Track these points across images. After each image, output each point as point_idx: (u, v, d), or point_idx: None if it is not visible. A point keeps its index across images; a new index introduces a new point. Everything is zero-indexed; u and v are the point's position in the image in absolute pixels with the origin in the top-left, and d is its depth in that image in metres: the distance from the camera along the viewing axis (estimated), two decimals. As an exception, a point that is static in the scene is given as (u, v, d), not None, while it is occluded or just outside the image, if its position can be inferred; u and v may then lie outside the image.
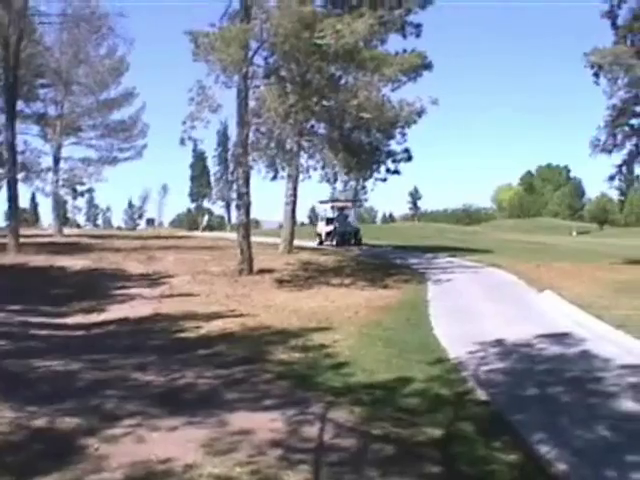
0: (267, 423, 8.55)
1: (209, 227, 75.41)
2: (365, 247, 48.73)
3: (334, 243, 50.34)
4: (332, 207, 54.06)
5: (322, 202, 56.25)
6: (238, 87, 27.04)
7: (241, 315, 17.79)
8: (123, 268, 28.13)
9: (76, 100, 51.12)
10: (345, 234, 51.37)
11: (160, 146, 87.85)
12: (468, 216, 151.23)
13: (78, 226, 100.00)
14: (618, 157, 35.07)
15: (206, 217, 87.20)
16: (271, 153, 31.86)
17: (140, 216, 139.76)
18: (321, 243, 51.93)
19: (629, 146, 34.70)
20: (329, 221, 53.69)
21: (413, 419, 8.92)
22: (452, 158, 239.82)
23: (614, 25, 33.72)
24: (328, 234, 52.29)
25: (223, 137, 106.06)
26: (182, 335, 15.30)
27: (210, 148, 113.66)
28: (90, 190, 65.17)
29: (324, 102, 28.96)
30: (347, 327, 16.02)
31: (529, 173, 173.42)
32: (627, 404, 9.77)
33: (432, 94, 32.74)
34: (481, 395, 10.34)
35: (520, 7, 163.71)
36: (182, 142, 26.14)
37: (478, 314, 18.45)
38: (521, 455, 7.70)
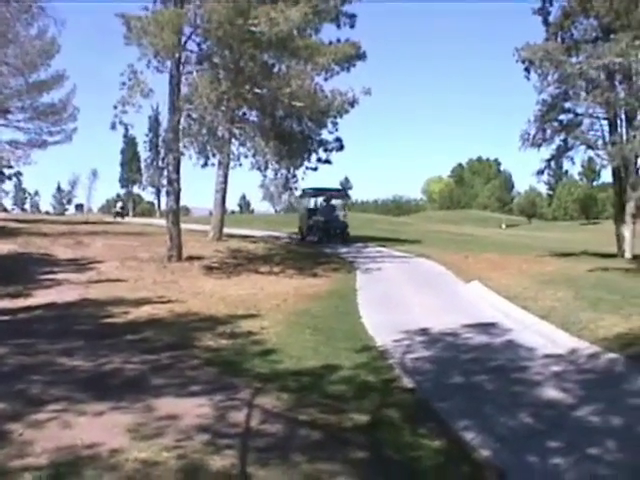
0: (194, 408, 8.52)
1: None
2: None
3: (315, 239, 43.66)
4: (316, 197, 47.63)
5: (305, 191, 46.36)
6: (170, 72, 26.80)
7: (169, 301, 17.67)
8: (51, 253, 27.70)
9: (4, 81, 49.89)
10: (330, 229, 44.07)
11: (91, 131, 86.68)
12: (398, 207, 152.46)
13: (5, 210, 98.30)
14: (547, 152, 35.70)
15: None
16: (202, 140, 31.57)
17: (69, 201, 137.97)
18: (303, 239, 45.55)
19: (558, 141, 35.34)
20: (312, 212, 46.22)
21: (340, 405, 8.98)
22: (383, 149, 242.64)
23: (545, 22, 34.38)
24: (311, 228, 44.94)
25: (154, 123, 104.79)
26: (110, 320, 15.13)
27: (141, 134, 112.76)
28: (18, 174, 64.08)
29: (256, 90, 28.88)
30: (275, 315, 16.04)
31: (460, 166, 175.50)
32: (550, 392, 9.98)
33: (365, 84, 32.94)
34: (407, 383, 10.45)
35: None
36: (113, 127, 25.81)
37: (405, 303, 18.62)
38: (446, 441, 7.81)
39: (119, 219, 66.89)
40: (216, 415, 8.35)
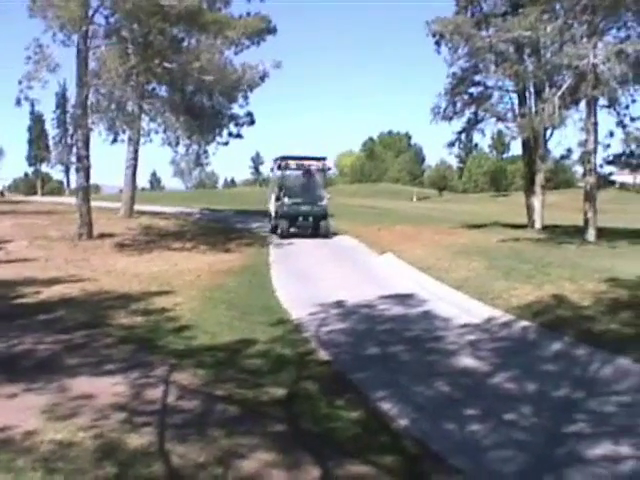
0: (110, 387, 8.43)
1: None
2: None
3: (284, 228, 32.33)
4: (291, 168, 34.41)
5: (278, 161, 34.96)
6: (78, 46, 26.28)
7: (81, 280, 17.41)
8: (-46, 234, 27.03)
9: None
10: (307, 215, 32.75)
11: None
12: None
13: None
14: (458, 124, 36.14)
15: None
16: (111, 115, 31.12)
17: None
18: (275, 229, 33.56)
19: (468, 114, 35.89)
20: (285, 192, 33.32)
21: (257, 380, 8.99)
22: (294, 124, 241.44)
23: (456, -5, 34.63)
24: (284, 214, 32.89)
25: (62, 99, 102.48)
26: (21, 301, 14.82)
27: (49, 110, 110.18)
28: None
29: (166, 64, 28.54)
30: (189, 291, 15.97)
31: (371, 140, 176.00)
32: (465, 361, 10.18)
33: (276, 58, 32.92)
34: (323, 355, 10.54)
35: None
36: (18, 103, 25.32)
37: (319, 277, 18.73)
38: (364, 412, 7.90)
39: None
40: (132, 393, 8.28)
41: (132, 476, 5.94)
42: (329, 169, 34.58)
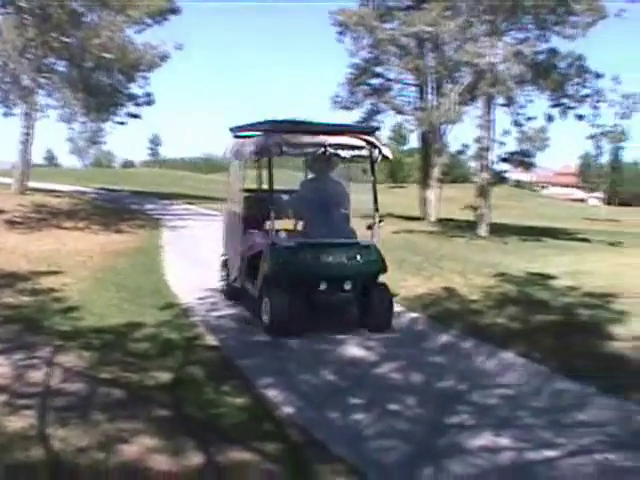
0: (-9, 368, 8.30)
1: None
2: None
3: (279, 311, 10.71)
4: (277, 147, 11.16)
5: (239, 131, 13.37)
6: (-29, 15, 25.56)
7: (-33, 257, 17.00)
8: None
9: None
10: (339, 277, 11.10)
11: None
12: (208, 165, 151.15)
13: None
14: (357, 115, 36.42)
15: None
16: (5, 88, 30.40)
17: None
18: (233, 294, 13.29)
19: (369, 105, 36.23)
20: (278, 213, 11.49)
21: (143, 364, 8.94)
22: (194, 105, 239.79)
23: (359, -12, 34.89)
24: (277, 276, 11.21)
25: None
26: None
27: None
28: None
29: (65, 39, 27.97)
30: (79, 271, 15.71)
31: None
32: (353, 350, 10.28)
33: (180, 39, 32.68)
34: (211, 340, 10.51)
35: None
36: None
37: (211, 261, 18.61)
38: (249, 399, 7.94)
39: None
40: (14, 375, 8.15)
41: (9, 460, 5.87)
42: (384, 156, 12.09)
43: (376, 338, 10.99)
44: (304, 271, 10.91)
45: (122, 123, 37.93)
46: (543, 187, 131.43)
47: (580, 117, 29.64)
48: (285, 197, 12.65)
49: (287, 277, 10.95)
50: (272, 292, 10.95)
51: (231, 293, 13.41)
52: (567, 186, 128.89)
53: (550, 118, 29.80)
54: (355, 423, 7.38)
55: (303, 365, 9.42)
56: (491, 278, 15.77)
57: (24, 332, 10.22)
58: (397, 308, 12.57)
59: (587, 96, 28.95)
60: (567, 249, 23.59)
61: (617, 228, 49.33)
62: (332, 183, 12.49)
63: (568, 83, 28.75)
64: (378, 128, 14.70)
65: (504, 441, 6.94)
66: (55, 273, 15.25)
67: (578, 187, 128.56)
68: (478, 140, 29.34)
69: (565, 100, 29.31)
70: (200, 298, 13.46)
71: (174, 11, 35.29)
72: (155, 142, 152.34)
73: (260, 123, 12.25)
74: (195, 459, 6.17)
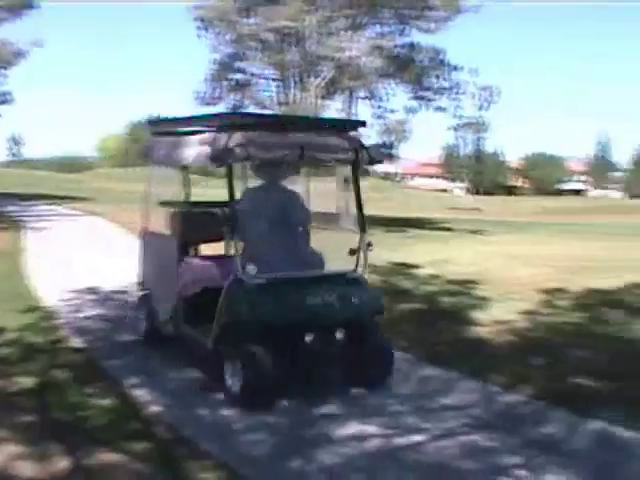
0: None
1: None
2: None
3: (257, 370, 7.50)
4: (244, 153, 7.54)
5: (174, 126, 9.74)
6: None
7: None
8: None
9: None
10: (328, 322, 7.85)
11: None
12: (71, 164, 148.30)
13: None
14: (221, 109, 36.20)
15: None
16: None
17: None
18: (154, 340, 10.03)
19: (232, 100, 36.07)
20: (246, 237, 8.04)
21: (5, 369, 8.73)
22: (58, 105, 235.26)
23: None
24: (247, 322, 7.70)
25: None
26: None
27: None
28: None
29: None
30: None
31: (138, 123, 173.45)
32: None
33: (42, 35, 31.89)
34: (76, 343, 10.32)
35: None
36: None
37: (75, 262, 18.32)
38: (115, 399, 7.84)
39: None
40: None
41: None
42: (377, 160, 10.32)
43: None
44: (287, 318, 7.57)
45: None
46: (411, 178, 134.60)
47: (440, 109, 30.43)
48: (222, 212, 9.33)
49: (264, 327, 7.54)
50: (244, 348, 7.65)
51: (157, 338, 9.95)
52: (432, 177, 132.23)
53: (411, 110, 30.48)
54: (223, 417, 7.43)
55: (170, 364, 9.31)
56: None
57: None
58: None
59: (445, 88, 29.70)
60: (431, 239, 24.19)
61: (480, 217, 50.89)
62: (286, 193, 9.18)
63: (426, 76, 29.44)
64: (364, 122, 11.01)
65: (371, 429, 7.06)
66: None
67: (442, 177, 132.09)
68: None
69: (425, 93, 30.00)
70: (65, 300, 13.18)
71: (30, 6, 34.37)
72: (16, 141, 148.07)
73: (208, 116, 9.83)
74: (62, 464, 6.05)
